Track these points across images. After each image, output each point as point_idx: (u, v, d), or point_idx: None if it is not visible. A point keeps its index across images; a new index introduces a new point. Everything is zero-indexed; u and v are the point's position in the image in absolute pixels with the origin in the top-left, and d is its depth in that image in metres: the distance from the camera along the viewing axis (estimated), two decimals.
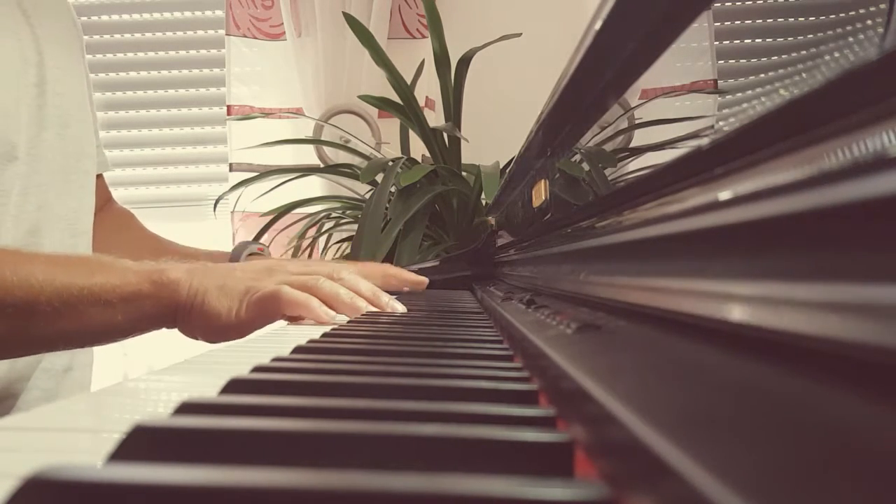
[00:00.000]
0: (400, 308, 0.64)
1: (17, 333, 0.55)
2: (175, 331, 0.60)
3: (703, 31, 0.28)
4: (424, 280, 0.88)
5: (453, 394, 0.24)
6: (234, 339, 0.59)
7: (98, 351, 0.84)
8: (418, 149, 1.46)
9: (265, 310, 0.57)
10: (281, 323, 0.60)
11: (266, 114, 1.71)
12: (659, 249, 0.29)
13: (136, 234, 0.94)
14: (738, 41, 0.26)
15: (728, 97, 0.27)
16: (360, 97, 1.42)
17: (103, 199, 0.94)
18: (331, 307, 0.59)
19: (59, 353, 0.75)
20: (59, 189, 0.74)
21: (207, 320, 0.57)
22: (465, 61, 1.30)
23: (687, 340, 0.22)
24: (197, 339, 0.60)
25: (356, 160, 1.47)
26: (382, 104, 1.36)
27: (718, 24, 0.27)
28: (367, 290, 0.64)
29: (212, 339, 0.60)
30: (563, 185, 0.57)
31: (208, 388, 0.25)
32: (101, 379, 0.87)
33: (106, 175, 0.95)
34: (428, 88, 1.61)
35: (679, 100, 0.32)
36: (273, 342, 0.46)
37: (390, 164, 1.27)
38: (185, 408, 0.21)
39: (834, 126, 0.16)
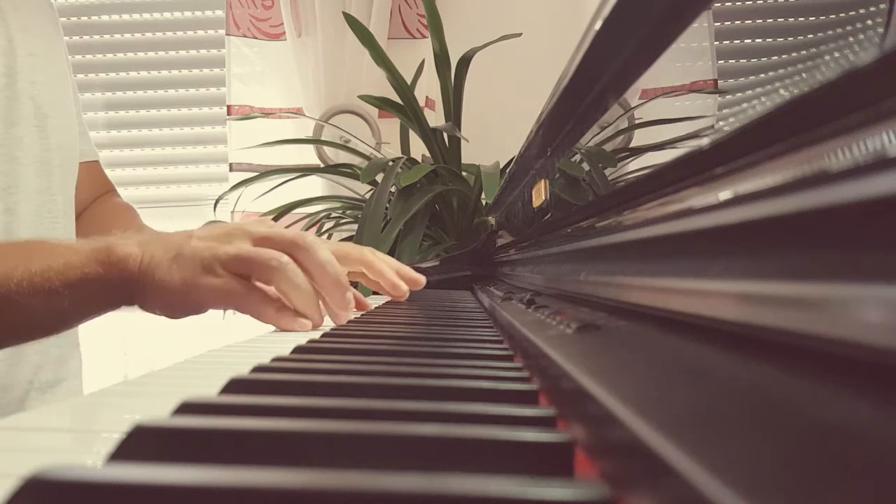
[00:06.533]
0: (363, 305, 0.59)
1: None
2: (176, 330, 0.58)
3: (703, 31, 0.28)
4: (421, 278, 0.76)
5: (453, 394, 0.24)
6: (193, 313, 0.54)
7: (98, 351, 0.83)
8: (418, 149, 1.46)
9: (216, 302, 0.53)
10: None
11: (266, 114, 1.71)
12: (659, 249, 0.29)
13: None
14: (738, 41, 0.26)
15: (728, 97, 0.27)
16: (360, 97, 1.42)
17: (102, 188, 0.91)
18: (285, 297, 0.53)
19: (45, 368, 0.72)
20: (38, 185, 0.71)
21: (162, 295, 0.52)
22: (465, 61, 1.31)
23: (687, 340, 0.22)
24: (157, 314, 0.55)
25: (356, 160, 1.47)
26: (382, 104, 1.36)
27: (718, 24, 0.27)
28: (332, 274, 0.55)
29: (171, 314, 0.54)
30: (563, 185, 0.57)
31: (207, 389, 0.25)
32: (101, 379, 0.87)
33: (107, 175, 0.92)
34: (428, 88, 1.61)
35: (679, 100, 0.32)
36: (273, 342, 0.46)
37: (390, 164, 1.27)
38: (185, 408, 0.21)
39: (834, 126, 0.16)
